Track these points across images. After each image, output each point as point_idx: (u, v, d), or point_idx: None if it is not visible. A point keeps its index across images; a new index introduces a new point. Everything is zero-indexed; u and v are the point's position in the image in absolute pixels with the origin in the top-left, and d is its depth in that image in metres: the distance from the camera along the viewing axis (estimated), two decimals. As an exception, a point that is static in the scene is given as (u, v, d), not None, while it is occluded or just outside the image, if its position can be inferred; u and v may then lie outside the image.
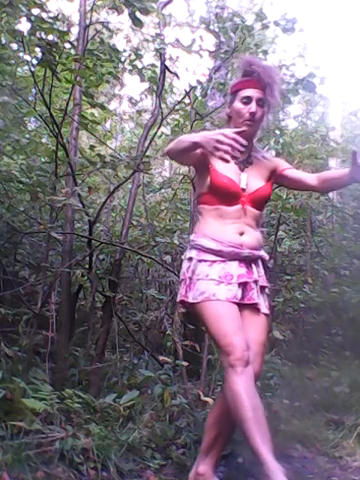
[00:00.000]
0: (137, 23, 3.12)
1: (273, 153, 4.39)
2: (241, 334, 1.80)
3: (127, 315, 4.49)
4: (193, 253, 1.95)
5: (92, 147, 3.45)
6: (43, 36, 2.74)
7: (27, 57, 3.05)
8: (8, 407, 2.21)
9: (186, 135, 1.96)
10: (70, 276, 3.19)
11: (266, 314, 1.97)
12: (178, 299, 1.98)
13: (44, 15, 2.77)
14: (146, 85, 3.92)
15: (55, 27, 2.79)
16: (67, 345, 3.07)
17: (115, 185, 3.83)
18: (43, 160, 3.85)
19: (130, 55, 3.78)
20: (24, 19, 2.78)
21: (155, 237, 3.77)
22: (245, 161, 2.03)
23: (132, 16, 3.07)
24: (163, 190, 5.33)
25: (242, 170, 2.01)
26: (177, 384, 2.94)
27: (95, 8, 4.15)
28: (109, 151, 4.32)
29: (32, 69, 2.99)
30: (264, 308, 1.96)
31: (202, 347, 3.11)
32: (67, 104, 3.12)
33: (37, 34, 2.74)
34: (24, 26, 2.87)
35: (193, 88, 3.71)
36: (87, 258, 3.24)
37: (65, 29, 3.70)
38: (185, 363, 2.91)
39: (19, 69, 3.97)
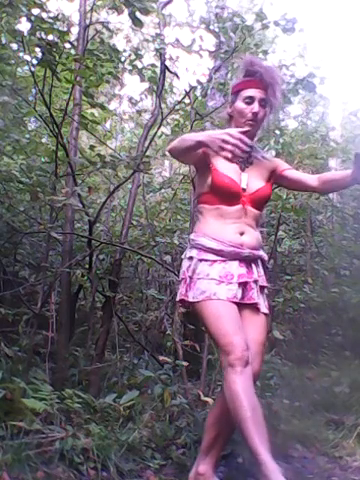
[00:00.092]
0: (137, 23, 3.12)
1: (273, 153, 4.39)
2: (241, 334, 1.80)
3: (127, 315, 4.49)
4: (194, 252, 1.95)
5: (92, 147, 3.45)
6: (43, 36, 2.74)
7: (27, 57, 3.05)
8: (8, 407, 2.21)
9: (189, 134, 1.96)
10: (70, 276, 3.19)
11: (265, 314, 1.98)
12: (178, 298, 1.98)
13: (44, 15, 2.77)
14: (146, 85, 3.92)
15: (55, 27, 2.79)
16: (67, 345, 3.07)
17: (115, 185, 3.83)
18: (43, 160, 3.85)
19: (130, 55, 3.78)
20: (24, 19, 2.78)
21: (155, 237, 3.77)
22: (246, 161, 2.03)
23: (132, 16, 3.07)
24: (163, 190, 5.33)
25: (243, 170, 2.02)
26: (177, 384, 2.94)
27: (95, 8, 4.15)
28: (109, 151, 4.32)
29: (32, 69, 2.99)
30: (264, 308, 1.97)
31: (202, 347, 3.11)
32: (67, 104, 3.12)
33: (37, 34, 2.74)
34: (24, 26, 2.88)
35: (193, 88, 3.70)
36: (87, 258, 3.24)
37: (65, 29, 3.70)
38: (185, 363, 2.91)
39: (19, 69, 3.97)
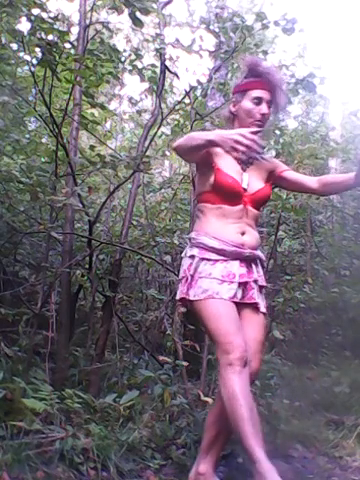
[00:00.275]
0: (137, 23, 3.12)
1: (273, 153, 4.39)
2: (241, 335, 1.82)
3: (127, 315, 4.49)
4: (195, 251, 1.95)
5: (92, 147, 3.45)
6: (43, 36, 2.74)
7: (27, 57, 3.04)
8: (8, 407, 2.21)
9: (198, 132, 1.96)
10: (70, 276, 3.19)
11: (264, 313, 2.00)
12: (178, 296, 1.97)
13: (44, 15, 2.76)
14: (146, 85, 3.91)
15: (55, 27, 2.79)
16: (67, 345, 3.07)
17: (115, 185, 3.83)
18: (43, 160, 3.85)
19: (130, 55, 3.78)
20: (24, 19, 2.78)
21: (155, 237, 3.76)
22: (247, 161, 2.03)
23: (132, 16, 3.06)
24: (163, 190, 5.33)
25: (244, 170, 2.02)
26: (177, 384, 2.94)
27: (95, 8, 4.16)
28: (109, 151, 4.32)
29: (32, 69, 2.99)
30: (263, 307, 1.99)
31: (202, 347, 3.11)
32: (67, 104, 3.11)
33: (37, 34, 2.74)
34: (24, 26, 2.88)
35: (193, 88, 3.70)
36: (87, 258, 3.24)
37: (65, 29, 3.71)
38: (185, 363, 2.91)
39: (19, 69, 3.98)
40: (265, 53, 4.05)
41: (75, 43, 3.32)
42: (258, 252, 2.02)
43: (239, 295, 1.91)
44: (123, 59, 3.73)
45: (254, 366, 1.88)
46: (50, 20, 2.75)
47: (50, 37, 2.77)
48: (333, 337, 5.27)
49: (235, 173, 1.98)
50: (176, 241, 3.77)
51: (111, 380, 3.21)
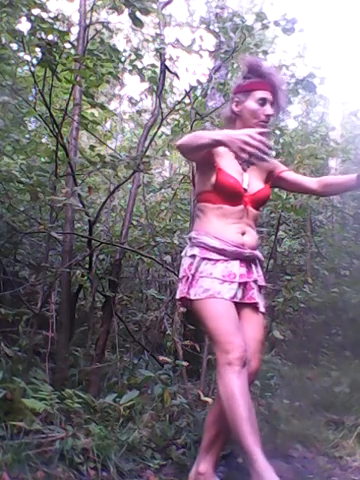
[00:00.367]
0: (137, 23, 3.12)
1: (273, 153, 4.39)
2: (241, 335, 1.83)
3: (127, 315, 4.49)
4: (195, 250, 1.95)
5: (92, 147, 3.45)
6: (43, 36, 2.74)
7: (27, 57, 3.04)
8: (8, 407, 2.21)
9: (204, 131, 1.96)
10: (70, 276, 3.19)
11: (263, 313, 2.01)
12: (178, 296, 1.97)
13: (44, 15, 2.76)
14: (146, 85, 3.91)
15: (55, 27, 2.79)
16: (67, 345, 3.07)
17: (115, 185, 3.83)
18: (43, 160, 3.85)
19: (130, 55, 3.77)
20: (24, 19, 2.78)
21: (155, 237, 3.76)
22: (249, 162, 2.03)
23: (132, 16, 3.06)
24: (163, 190, 5.32)
25: (244, 170, 2.02)
26: (177, 384, 2.94)
27: (95, 8, 4.15)
28: (109, 151, 4.31)
29: (32, 69, 2.99)
30: (262, 307, 2.00)
31: (202, 347, 3.11)
32: (67, 104, 3.12)
33: (37, 34, 2.74)
34: (24, 26, 2.87)
35: (193, 88, 3.70)
36: (87, 258, 3.24)
37: (65, 29, 3.70)
38: (185, 363, 2.91)
39: (19, 69, 3.98)
40: (265, 53, 4.05)
41: (75, 43, 3.33)
42: (257, 252, 2.03)
43: (239, 295, 1.91)
44: (123, 59, 3.73)
45: (254, 366, 1.89)
46: (50, 20, 2.75)
47: (50, 37, 2.77)
48: (333, 337, 5.27)
49: (236, 173, 1.98)
50: (176, 241, 3.77)
51: (111, 380, 3.21)
